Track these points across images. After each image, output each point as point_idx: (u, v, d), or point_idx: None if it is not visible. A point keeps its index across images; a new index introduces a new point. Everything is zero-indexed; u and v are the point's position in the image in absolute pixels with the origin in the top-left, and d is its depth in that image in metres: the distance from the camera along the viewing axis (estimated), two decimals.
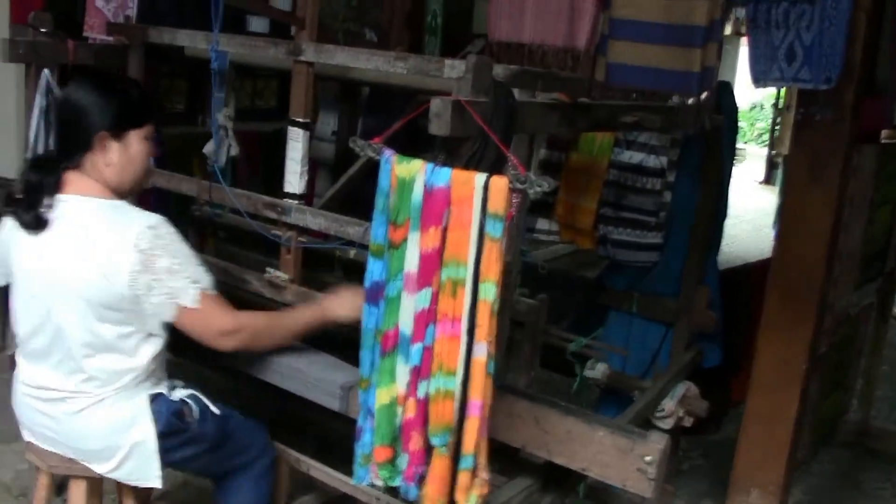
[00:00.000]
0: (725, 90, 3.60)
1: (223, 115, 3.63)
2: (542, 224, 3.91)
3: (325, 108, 4.73)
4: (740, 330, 4.04)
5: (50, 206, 2.51)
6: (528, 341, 3.07)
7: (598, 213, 3.76)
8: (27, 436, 2.79)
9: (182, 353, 2.90)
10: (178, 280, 2.50)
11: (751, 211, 12.92)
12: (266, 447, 2.99)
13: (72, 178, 2.55)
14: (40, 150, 3.41)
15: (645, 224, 3.71)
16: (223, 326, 2.60)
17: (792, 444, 3.35)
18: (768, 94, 17.72)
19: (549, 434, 2.62)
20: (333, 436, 3.06)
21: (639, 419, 3.28)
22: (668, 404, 3.49)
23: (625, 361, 4.00)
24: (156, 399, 2.66)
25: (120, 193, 2.61)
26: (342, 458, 2.64)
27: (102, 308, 2.50)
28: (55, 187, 2.52)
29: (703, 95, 3.16)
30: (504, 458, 3.37)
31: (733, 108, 3.68)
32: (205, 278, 2.58)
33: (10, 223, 2.63)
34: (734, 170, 3.94)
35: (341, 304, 2.80)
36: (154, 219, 2.50)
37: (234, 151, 3.67)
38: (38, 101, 3.42)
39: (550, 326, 3.51)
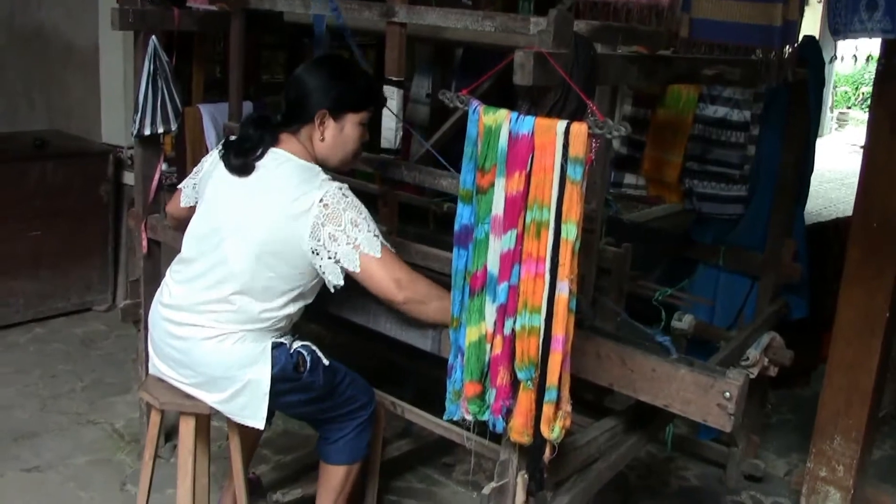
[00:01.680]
0: (810, 45, 3.62)
1: None
2: (630, 179, 3.97)
3: (419, 72, 4.85)
4: (830, 286, 4.06)
5: (260, 157, 2.79)
6: (614, 288, 3.17)
7: (683, 166, 3.81)
8: (152, 357, 3.00)
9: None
10: (362, 232, 2.71)
11: (850, 174, 12.70)
12: (369, 401, 3.16)
13: (285, 139, 2.82)
14: (148, 112, 3.62)
15: (729, 177, 3.75)
16: (400, 276, 2.75)
17: (874, 393, 3.38)
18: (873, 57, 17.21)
19: (635, 373, 2.70)
20: (428, 386, 3.21)
21: (723, 367, 3.35)
22: (753, 353, 3.55)
23: (712, 314, 4.06)
24: (277, 346, 2.86)
25: (323, 166, 2.86)
26: (436, 408, 2.79)
27: (275, 257, 2.72)
28: (269, 143, 2.80)
29: (786, 49, 3.19)
30: (590, 406, 3.50)
31: (819, 63, 3.69)
32: (382, 236, 2.77)
33: (214, 156, 2.93)
34: (836, 133, 3.94)
35: None
36: (342, 183, 2.76)
37: None
38: (146, 67, 3.60)
39: (638, 275, 3.59)
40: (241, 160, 2.79)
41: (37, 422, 4.27)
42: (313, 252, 2.71)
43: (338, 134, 2.86)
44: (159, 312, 2.95)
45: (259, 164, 2.79)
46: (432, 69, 4.76)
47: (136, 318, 3.97)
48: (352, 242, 2.69)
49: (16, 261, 5.26)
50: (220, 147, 2.94)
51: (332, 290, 2.80)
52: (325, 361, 2.96)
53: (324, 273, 2.75)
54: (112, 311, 5.61)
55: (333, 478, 3.13)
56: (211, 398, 2.88)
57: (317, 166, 2.83)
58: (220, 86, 4.34)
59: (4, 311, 5.27)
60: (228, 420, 2.99)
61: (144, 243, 3.79)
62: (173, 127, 3.74)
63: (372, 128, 3.18)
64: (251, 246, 2.74)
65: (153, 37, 3.59)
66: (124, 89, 5.32)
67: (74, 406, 4.45)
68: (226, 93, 3.84)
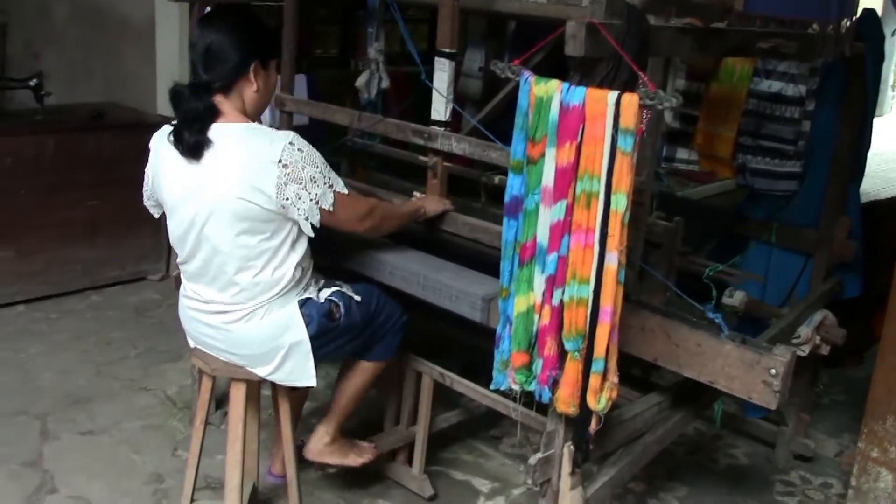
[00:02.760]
0: (870, 18, 3.55)
1: (374, 49, 3.80)
2: (682, 153, 3.94)
3: (472, 46, 4.84)
4: (885, 264, 4.01)
5: (205, 134, 2.71)
6: (664, 262, 3.16)
7: (736, 141, 3.78)
8: (193, 344, 3.06)
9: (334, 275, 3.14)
10: (320, 186, 2.72)
11: None
12: (402, 311, 3.25)
13: (220, 101, 2.75)
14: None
15: (783, 152, 3.70)
16: (360, 211, 2.90)
17: None
18: None
19: (680, 347, 2.69)
20: (476, 358, 3.23)
21: (772, 344, 3.32)
22: (805, 331, 3.50)
23: (763, 291, 4.02)
24: (305, 303, 2.91)
25: (252, 119, 2.85)
26: (484, 380, 2.79)
27: (252, 222, 2.71)
28: (212, 112, 2.73)
29: (844, 23, 3.15)
30: (636, 381, 3.50)
31: (878, 37, 3.62)
32: (339, 180, 2.81)
33: (155, 159, 2.90)
34: None
35: (429, 201, 3.20)
36: (290, 135, 2.74)
37: (385, 84, 3.85)
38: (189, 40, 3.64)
39: (688, 251, 3.57)
40: (194, 136, 2.70)
41: (92, 387, 4.35)
42: (283, 207, 2.70)
43: (267, 82, 2.87)
44: (186, 305, 3.00)
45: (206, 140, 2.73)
46: (485, 43, 4.74)
47: None
48: (314, 198, 2.73)
49: (74, 229, 5.35)
50: (153, 143, 2.91)
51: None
52: (357, 297, 3.02)
53: (303, 220, 2.77)
54: (165, 280, 5.69)
55: (361, 372, 3.26)
56: (261, 372, 2.93)
57: (256, 124, 2.82)
58: None
59: (63, 278, 5.36)
60: (276, 388, 3.04)
61: None
62: None
63: (426, 107, 3.20)
64: (230, 221, 2.72)
65: (207, 8, 3.62)
66: (179, 62, 5.38)
67: (128, 372, 4.53)
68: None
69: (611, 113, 2.20)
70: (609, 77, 2.28)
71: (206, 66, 2.74)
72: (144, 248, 5.67)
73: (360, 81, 3.82)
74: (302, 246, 2.87)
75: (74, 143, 5.29)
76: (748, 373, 2.58)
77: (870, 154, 3.99)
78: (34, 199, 5.16)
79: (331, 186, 2.76)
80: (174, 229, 2.89)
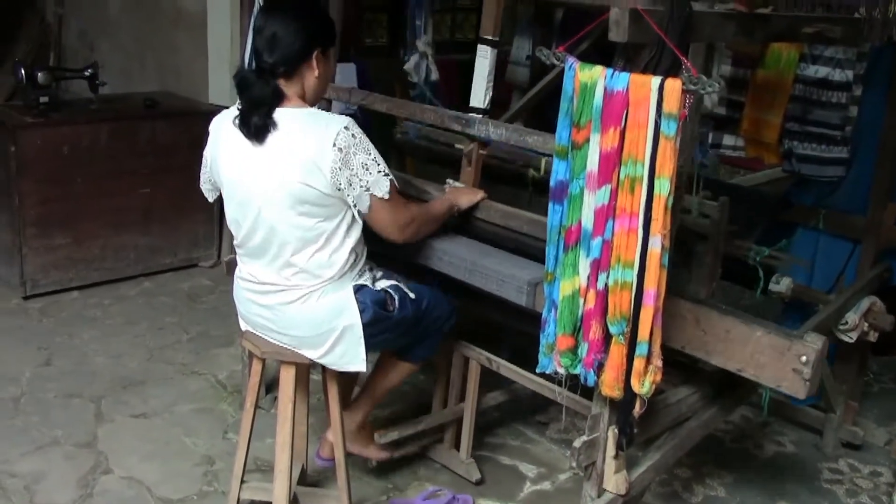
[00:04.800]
0: None
1: (423, 42, 3.84)
2: (728, 140, 3.94)
3: (520, 34, 4.87)
4: None
5: (271, 117, 2.79)
6: (711, 244, 3.16)
7: (783, 127, 3.77)
8: (245, 326, 3.12)
9: (386, 266, 3.18)
10: (372, 174, 2.79)
11: None
12: (451, 312, 3.29)
13: (283, 85, 2.83)
14: None
15: (830, 138, 3.69)
16: (403, 219, 2.94)
17: None
18: None
19: (709, 334, 2.67)
20: (524, 343, 3.25)
21: (821, 330, 3.24)
22: (852, 317, 3.50)
23: (810, 278, 4.01)
24: (360, 290, 2.95)
25: (311, 105, 2.93)
26: (531, 365, 2.81)
27: (309, 205, 2.78)
28: (279, 98, 2.81)
29: (892, 7, 3.12)
30: (682, 366, 3.50)
31: None
32: (390, 174, 2.86)
33: (215, 141, 2.98)
34: None
35: (461, 195, 3.24)
36: (346, 120, 2.80)
37: (434, 76, 3.88)
38: (252, 28, 3.69)
39: (734, 232, 3.56)
40: (262, 119, 2.78)
41: (144, 371, 4.44)
42: (338, 189, 2.78)
43: (327, 69, 2.95)
44: (241, 287, 3.06)
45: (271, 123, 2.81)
46: (533, 31, 4.77)
47: None
48: (364, 185, 2.79)
49: (128, 216, 5.44)
50: (214, 126, 2.99)
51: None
52: (412, 295, 3.07)
53: (354, 206, 2.84)
54: (217, 267, 5.76)
55: (397, 370, 3.33)
56: (311, 354, 2.98)
57: (314, 108, 2.91)
58: None
59: (117, 264, 5.46)
60: (325, 371, 3.08)
61: None
62: None
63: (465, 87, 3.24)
64: (287, 203, 2.78)
65: None
66: (231, 51, 5.45)
67: (180, 357, 4.61)
68: None
69: (654, 98, 2.22)
70: (652, 63, 2.29)
71: (271, 52, 2.81)
72: (197, 235, 5.76)
73: (409, 65, 3.87)
74: (356, 231, 2.93)
75: (129, 131, 5.37)
76: (778, 360, 2.54)
77: None
78: (90, 186, 5.26)
79: (386, 175, 2.83)
80: (233, 211, 2.96)
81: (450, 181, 3.38)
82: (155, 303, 5.27)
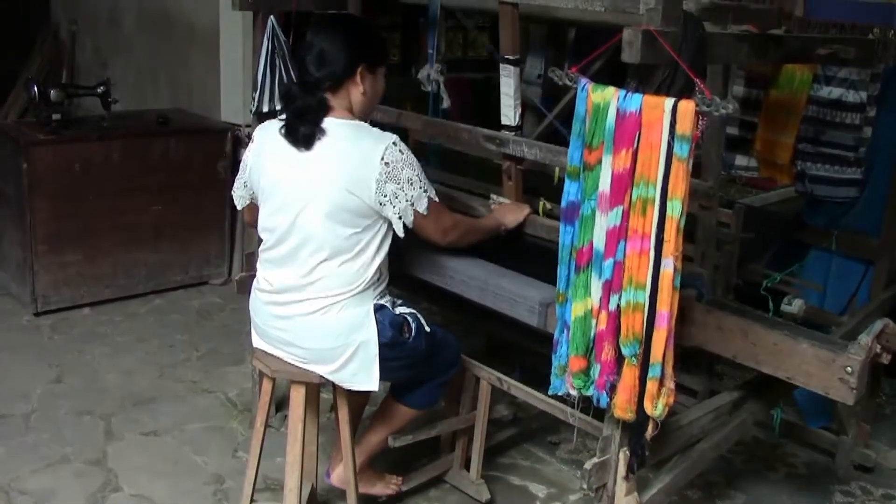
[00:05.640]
0: None
1: (434, 70, 3.85)
2: (741, 160, 3.92)
3: (532, 53, 4.86)
4: None
5: (319, 126, 2.86)
6: (725, 255, 3.16)
7: (796, 148, 3.76)
8: (258, 342, 3.11)
9: (404, 286, 3.19)
10: (416, 189, 2.86)
11: None
12: (457, 360, 3.31)
13: (331, 100, 2.90)
14: (267, 90, 3.72)
15: (843, 159, 3.67)
16: (447, 224, 3.03)
17: None
18: None
19: (757, 346, 2.73)
20: (536, 363, 3.25)
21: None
22: (864, 339, 3.45)
23: (823, 299, 3.99)
24: (380, 310, 2.97)
25: (358, 119, 2.97)
26: (543, 386, 2.81)
27: (348, 213, 2.83)
28: (325, 108, 2.88)
29: None
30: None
31: None
32: (432, 188, 2.95)
33: (258, 146, 3.03)
34: None
35: (508, 212, 3.28)
36: (394, 137, 2.88)
37: (445, 104, 3.89)
38: (265, 45, 3.69)
39: (748, 245, 3.57)
40: (309, 128, 2.86)
41: (155, 388, 4.43)
42: (380, 204, 2.84)
43: (374, 86, 3.00)
44: (259, 299, 3.06)
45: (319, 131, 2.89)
46: (545, 50, 4.77)
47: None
48: (409, 200, 2.86)
49: (139, 233, 5.45)
50: (258, 134, 3.05)
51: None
52: (428, 328, 3.07)
53: (395, 219, 2.89)
54: (228, 284, 5.77)
55: (398, 416, 3.32)
56: (323, 370, 2.97)
57: (364, 123, 2.96)
58: None
59: (128, 281, 5.47)
60: (336, 389, 3.07)
61: None
62: None
63: (487, 111, 3.25)
64: (326, 210, 2.83)
65: (271, 17, 3.67)
66: (243, 69, 5.47)
67: (190, 374, 4.61)
68: None
69: (667, 119, 2.21)
70: (666, 84, 2.29)
71: (318, 67, 2.89)
72: (208, 253, 5.77)
73: (422, 74, 3.88)
74: (385, 248, 2.98)
75: (140, 148, 5.39)
76: (824, 370, 2.63)
77: None
78: (102, 203, 5.28)
79: (426, 191, 2.90)
80: (267, 215, 2.99)
81: (493, 196, 3.41)
82: (166, 320, 5.28)
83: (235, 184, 3.20)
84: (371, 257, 2.92)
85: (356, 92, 2.94)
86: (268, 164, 2.96)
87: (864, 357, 2.57)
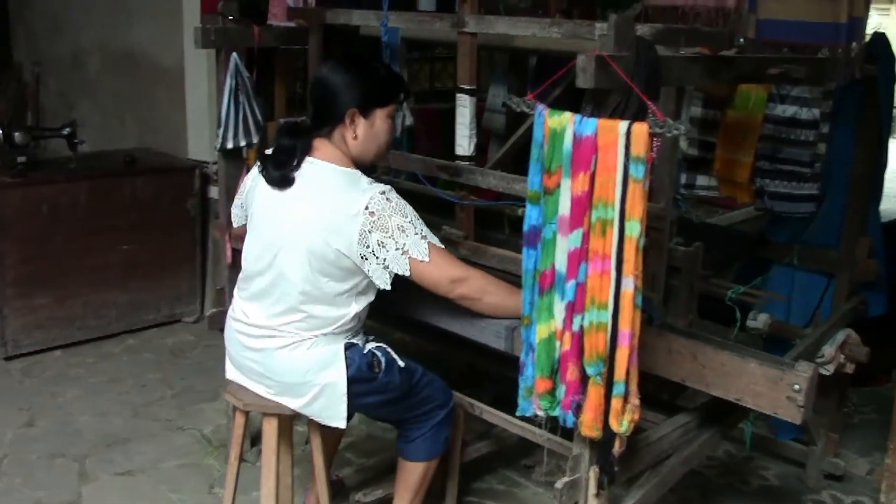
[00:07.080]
0: (880, 41, 3.59)
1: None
2: (702, 180, 3.97)
3: (495, 82, 4.92)
4: None
5: (297, 167, 2.87)
6: (685, 286, 3.20)
7: (754, 166, 3.81)
8: (232, 372, 3.12)
9: (375, 317, 3.19)
10: (409, 236, 2.80)
11: None
12: (447, 400, 3.24)
13: (319, 144, 2.90)
14: (231, 127, 3.75)
15: (800, 175, 3.73)
16: (453, 274, 2.89)
17: None
18: None
19: (706, 368, 2.76)
20: (508, 389, 3.28)
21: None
22: (828, 350, 3.53)
23: (787, 313, 4.05)
24: (350, 347, 2.97)
25: (358, 164, 2.95)
26: (515, 409, 2.83)
27: (326, 263, 2.81)
28: (305, 151, 2.88)
29: (853, 46, 3.19)
30: (662, 404, 3.53)
31: (889, 59, 3.66)
32: (431, 234, 2.88)
33: (255, 172, 3.03)
34: None
35: None
36: (384, 186, 2.84)
37: (409, 122, 3.93)
38: (228, 83, 3.74)
39: (710, 274, 3.60)
40: (279, 172, 2.87)
41: (129, 428, 4.43)
42: (362, 258, 2.80)
43: (369, 130, 2.93)
44: (233, 328, 3.08)
45: (297, 174, 2.87)
46: (508, 78, 4.83)
47: (223, 326, 4.08)
48: (400, 248, 2.80)
49: (110, 274, 5.45)
50: (257, 162, 3.04)
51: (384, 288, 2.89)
52: (401, 363, 3.05)
53: (371, 277, 2.85)
54: (200, 322, 5.77)
55: (412, 474, 3.23)
56: (293, 403, 2.99)
57: (357, 171, 2.91)
58: (303, 101, 4.46)
59: (99, 322, 5.46)
60: (310, 422, 3.09)
61: (229, 253, 3.91)
62: (255, 140, 3.85)
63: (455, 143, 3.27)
64: (303, 256, 2.82)
65: (234, 54, 3.72)
66: (209, 107, 5.50)
67: (165, 413, 4.61)
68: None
69: (622, 142, 2.26)
70: (620, 107, 2.34)
71: (311, 106, 2.95)
72: (179, 291, 5.77)
73: None
74: (365, 300, 2.96)
75: (108, 188, 5.40)
76: (773, 389, 2.64)
77: (886, 174, 4.03)
78: (70, 245, 5.27)
79: (424, 237, 2.84)
80: (250, 245, 3.01)
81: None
82: (139, 359, 5.27)
83: (235, 201, 3.26)
84: (345, 305, 2.91)
85: (348, 137, 2.90)
86: (258, 193, 2.97)
87: (810, 374, 2.59)
